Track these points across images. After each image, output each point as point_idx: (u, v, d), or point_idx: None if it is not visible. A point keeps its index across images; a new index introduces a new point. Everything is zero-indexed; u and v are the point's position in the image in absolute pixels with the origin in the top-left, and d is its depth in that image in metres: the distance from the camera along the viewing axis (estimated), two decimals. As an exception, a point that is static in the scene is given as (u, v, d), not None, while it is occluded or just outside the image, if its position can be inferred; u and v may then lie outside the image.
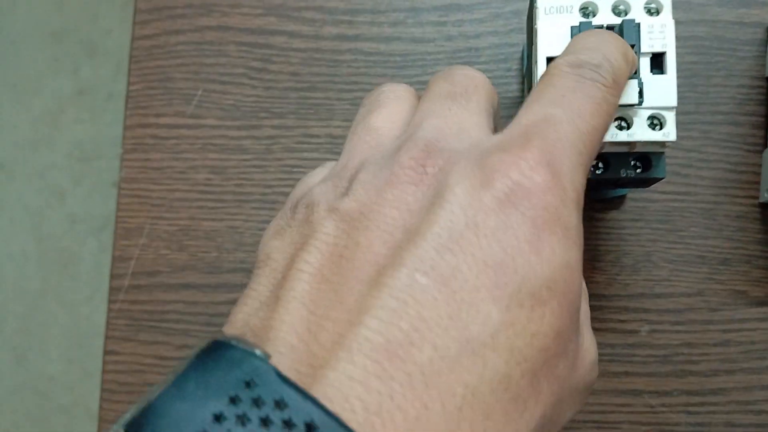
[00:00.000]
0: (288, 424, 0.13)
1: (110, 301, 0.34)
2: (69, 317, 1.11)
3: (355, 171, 0.19)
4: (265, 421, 0.13)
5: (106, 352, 0.33)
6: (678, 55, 0.24)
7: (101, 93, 1.15)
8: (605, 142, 0.24)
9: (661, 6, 0.24)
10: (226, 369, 0.14)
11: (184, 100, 0.35)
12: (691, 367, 0.31)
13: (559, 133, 0.17)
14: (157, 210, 0.34)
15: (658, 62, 0.24)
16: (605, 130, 0.19)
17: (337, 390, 0.14)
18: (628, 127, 0.24)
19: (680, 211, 0.31)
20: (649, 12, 0.24)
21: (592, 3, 0.24)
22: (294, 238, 0.18)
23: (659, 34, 0.24)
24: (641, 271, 0.31)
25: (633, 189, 0.31)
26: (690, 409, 0.30)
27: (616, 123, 0.24)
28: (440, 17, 0.33)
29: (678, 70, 0.24)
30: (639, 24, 0.23)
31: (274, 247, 0.19)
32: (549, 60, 0.24)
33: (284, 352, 0.15)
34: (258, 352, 0.15)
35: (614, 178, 0.25)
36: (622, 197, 0.32)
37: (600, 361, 0.31)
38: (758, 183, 0.31)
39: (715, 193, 0.31)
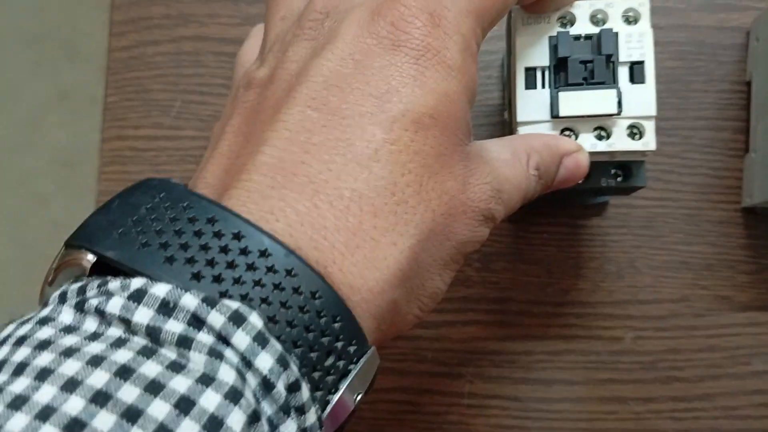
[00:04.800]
0: (181, 209, 0.16)
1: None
2: (55, 324, 1.10)
3: (272, 43, 0.21)
4: (172, 219, 0.16)
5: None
6: (658, 60, 0.24)
7: (83, 97, 1.13)
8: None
9: (639, 15, 0.24)
10: (146, 192, 0.17)
11: (162, 111, 0.35)
12: (677, 373, 0.31)
13: None
14: (136, 223, 0.34)
15: (637, 71, 0.23)
16: None
17: (236, 199, 0.17)
18: (608, 137, 0.24)
19: (663, 217, 0.31)
20: (627, 21, 0.24)
21: (570, 12, 0.24)
22: (226, 113, 0.21)
23: (637, 43, 0.23)
24: (625, 278, 0.31)
25: (614, 196, 0.31)
26: (676, 415, 0.30)
27: (596, 133, 0.24)
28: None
29: (658, 76, 0.24)
30: (617, 33, 0.23)
31: (215, 126, 0.22)
32: (528, 70, 0.24)
33: (203, 188, 0.19)
34: (174, 180, 0.17)
35: (595, 187, 0.25)
36: (605, 204, 0.31)
37: (584, 368, 0.31)
38: (740, 188, 0.31)
39: (697, 199, 0.31)
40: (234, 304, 0.15)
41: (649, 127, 0.23)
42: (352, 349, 0.16)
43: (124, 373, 0.13)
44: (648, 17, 0.24)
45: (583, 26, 0.24)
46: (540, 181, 0.22)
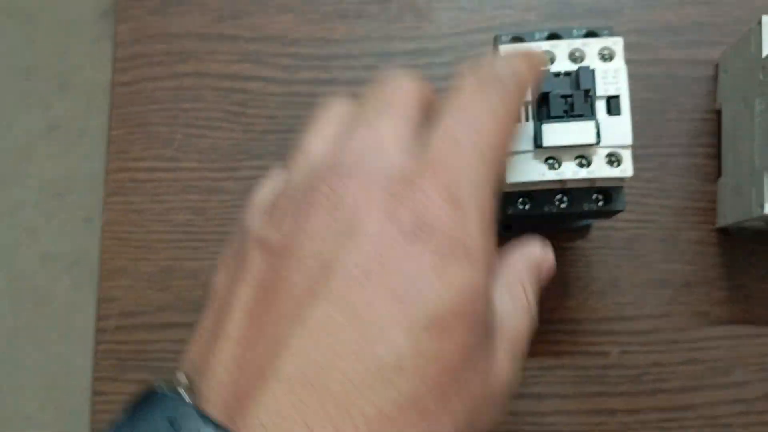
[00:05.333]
0: None
1: (96, 342, 0.35)
2: (43, 356, 1.10)
3: (287, 199, 0.20)
4: None
5: (94, 393, 0.34)
6: (634, 91, 0.26)
7: (73, 129, 1.14)
8: (567, 179, 0.25)
9: (614, 53, 0.26)
10: (154, 413, 0.16)
11: (163, 143, 0.36)
12: (661, 385, 0.32)
13: (462, 159, 0.19)
14: (139, 251, 0.35)
15: (613, 104, 0.25)
16: (509, 136, 0.21)
17: (257, 419, 0.16)
18: (588, 165, 0.25)
19: (643, 238, 0.33)
20: (603, 58, 0.26)
21: (550, 51, 0.26)
22: (231, 270, 0.20)
23: (613, 79, 0.25)
24: (609, 296, 0.33)
25: (597, 219, 0.33)
26: (662, 425, 0.32)
27: (577, 161, 0.25)
28: (410, 61, 0.35)
29: (635, 107, 0.26)
30: (594, 70, 0.25)
31: (218, 280, 0.21)
32: (513, 104, 0.26)
33: (215, 388, 0.17)
34: (183, 393, 0.17)
35: (578, 211, 0.27)
36: (588, 227, 0.33)
37: (573, 382, 0.32)
38: (714, 209, 0.33)
39: (674, 220, 0.33)
40: None
41: (626, 156, 0.25)
42: None
43: None
44: (622, 55, 0.26)
45: (562, 64, 0.26)
46: (535, 308, 0.22)
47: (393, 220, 0.18)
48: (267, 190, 0.23)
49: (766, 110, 0.28)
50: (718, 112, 0.33)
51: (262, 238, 0.19)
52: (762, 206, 0.27)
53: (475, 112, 0.20)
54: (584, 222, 0.33)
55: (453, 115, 0.20)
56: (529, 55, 0.23)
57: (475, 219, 0.18)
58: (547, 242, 0.23)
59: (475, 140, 0.19)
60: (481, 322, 0.18)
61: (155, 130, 0.36)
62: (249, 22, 0.37)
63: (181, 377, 0.18)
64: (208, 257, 0.35)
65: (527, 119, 0.26)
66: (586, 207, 0.27)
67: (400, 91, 0.22)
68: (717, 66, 0.34)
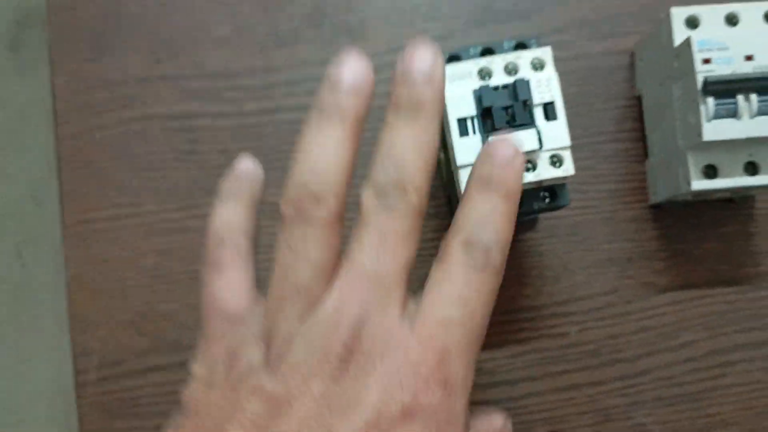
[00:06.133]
0: None
1: (78, 397, 0.35)
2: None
3: (284, 342, 0.21)
4: None
5: (85, 447, 0.35)
6: (562, 87, 0.28)
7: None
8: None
9: (544, 62, 0.28)
10: None
11: (119, 190, 0.37)
12: (618, 355, 0.35)
13: (455, 342, 0.21)
14: (111, 301, 0.36)
15: (550, 110, 0.28)
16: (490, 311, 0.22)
17: None
18: (534, 169, 0.28)
19: (585, 223, 0.36)
20: (535, 67, 0.28)
21: (486, 67, 0.28)
22: (218, 399, 0.21)
23: (546, 87, 0.28)
24: (562, 280, 0.36)
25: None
26: (624, 392, 0.35)
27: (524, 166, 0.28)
28: (351, 83, 0.37)
29: (564, 101, 0.28)
30: (528, 81, 0.28)
31: (201, 400, 0.22)
32: (459, 120, 0.28)
33: None
34: None
35: (528, 211, 0.29)
36: (535, 220, 0.36)
37: (540, 364, 0.35)
38: (645, 188, 0.36)
39: (611, 203, 0.36)
40: None
41: (567, 156, 0.28)
42: None
43: None
44: (551, 63, 0.28)
45: (499, 77, 0.28)
46: None
47: (394, 400, 0.20)
48: (224, 284, 0.23)
49: (683, 94, 0.31)
50: (639, 98, 0.36)
51: (260, 384, 0.20)
52: (689, 183, 0.30)
53: (467, 292, 0.21)
54: (531, 216, 0.35)
55: (444, 291, 0.21)
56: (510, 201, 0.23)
57: (463, 399, 0.21)
58: (508, 417, 0.25)
59: (469, 324, 0.21)
60: None
61: (109, 178, 0.37)
62: (187, 61, 0.37)
63: None
64: (181, 298, 0.36)
65: (474, 132, 0.28)
66: (535, 206, 0.29)
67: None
68: (633, 54, 0.37)
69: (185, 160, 0.37)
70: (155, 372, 0.35)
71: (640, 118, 0.36)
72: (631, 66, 0.37)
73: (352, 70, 0.23)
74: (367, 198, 0.22)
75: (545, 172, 0.28)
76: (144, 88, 0.37)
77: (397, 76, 0.23)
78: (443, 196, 0.36)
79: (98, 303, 0.36)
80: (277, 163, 0.36)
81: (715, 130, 0.29)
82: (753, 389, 0.35)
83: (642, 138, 0.36)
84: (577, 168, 0.35)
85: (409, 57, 0.22)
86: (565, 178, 0.28)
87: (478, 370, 0.35)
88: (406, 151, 0.22)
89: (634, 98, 0.37)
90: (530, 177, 0.28)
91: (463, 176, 0.28)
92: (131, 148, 0.37)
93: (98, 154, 0.37)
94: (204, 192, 0.36)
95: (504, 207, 0.22)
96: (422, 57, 0.22)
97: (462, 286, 0.21)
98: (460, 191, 0.28)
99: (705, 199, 0.35)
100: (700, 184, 0.30)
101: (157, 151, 0.37)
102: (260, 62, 0.37)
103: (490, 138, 0.23)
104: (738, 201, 0.36)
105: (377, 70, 0.37)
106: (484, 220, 0.22)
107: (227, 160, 0.36)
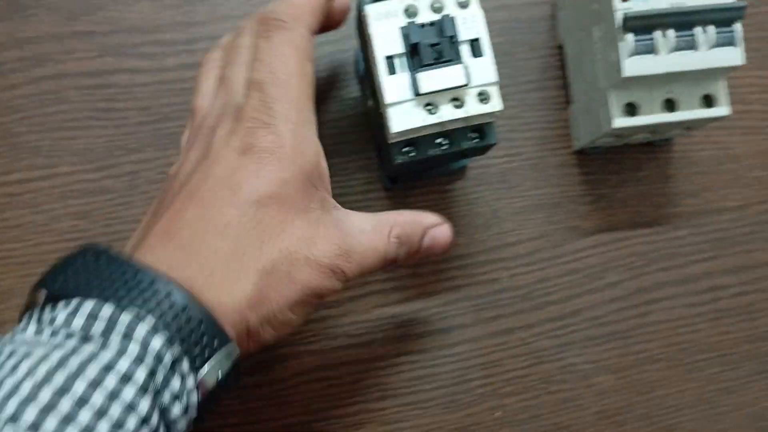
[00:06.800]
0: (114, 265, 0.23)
1: (-5, 369, 0.33)
2: None
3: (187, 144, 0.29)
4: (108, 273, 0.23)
5: None
6: (486, 38, 0.29)
7: None
8: (446, 121, 0.28)
9: (469, 0, 0.28)
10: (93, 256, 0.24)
11: (32, 152, 0.35)
12: (548, 298, 0.36)
13: (277, 88, 0.26)
14: (24, 267, 0.34)
15: (476, 47, 0.28)
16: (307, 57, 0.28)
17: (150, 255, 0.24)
18: (463, 105, 0.28)
19: (513, 170, 0.36)
20: (460, 5, 0.28)
21: (413, 5, 0.28)
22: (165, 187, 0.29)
23: (472, 23, 0.28)
24: (492, 227, 0.36)
25: (472, 159, 0.36)
26: (554, 333, 0.36)
27: (453, 103, 0.28)
28: (275, 34, 0.36)
29: (489, 52, 0.28)
30: (454, 18, 0.28)
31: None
32: (388, 59, 0.28)
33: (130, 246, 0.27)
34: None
35: (458, 150, 0.29)
36: (464, 168, 0.36)
37: (473, 311, 0.35)
38: (569, 135, 0.37)
39: (538, 150, 0.37)
40: (134, 310, 0.22)
41: (494, 92, 0.28)
42: (215, 341, 0.23)
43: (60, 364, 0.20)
44: (476, 1, 0.28)
45: (425, 15, 0.28)
46: (402, 247, 0.28)
47: (230, 144, 0.26)
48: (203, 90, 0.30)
49: (603, 36, 0.31)
50: (560, 47, 0.37)
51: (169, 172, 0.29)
52: (610, 121, 0.31)
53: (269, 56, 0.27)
54: (461, 163, 0.36)
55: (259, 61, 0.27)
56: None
57: (289, 133, 0.26)
58: (447, 221, 0.29)
59: (280, 75, 0.26)
60: (296, 202, 0.25)
61: (21, 140, 0.35)
62: (103, 16, 0.36)
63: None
64: (102, 258, 0.34)
65: (402, 70, 0.28)
66: (464, 145, 0.29)
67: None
68: (554, 4, 0.37)
69: (101, 119, 0.35)
70: (78, 338, 0.33)
71: (562, 66, 0.37)
72: (553, 16, 0.37)
73: None
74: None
75: (473, 108, 0.28)
76: (56, 45, 0.35)
77: None
78: (372, 149, 0.36)
79: (13, 271, 0.34)
80: (201, 118, 0.35)
81: (634, 66, 0.30)
82: (676, 325, 0.36)
83: (565, 86, 0.37)
84: (504, 116, 0.36)
85: None
86: (492, 114, 0.28)
87: (412, 321, 0.35)
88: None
89: (556, 48, 0.37)
90: (459, 113, 0.28)
91: (392, 114, 0.28)
92: (44, 108, 0.35)
93: (9, 116, 0.35)
94: (122, 150, 0.35)
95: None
96: None
97: (258, 48, 0.28)
98: (389, 130, 0.28)
99: (626, 143, 0.36)
100: (621, 121, 0.31)
101: (71, 110, 0.35)
102: (180, 17, 0.36)
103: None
104: (656, 144, 0.37)
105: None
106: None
107: (147, 117, 0.35)
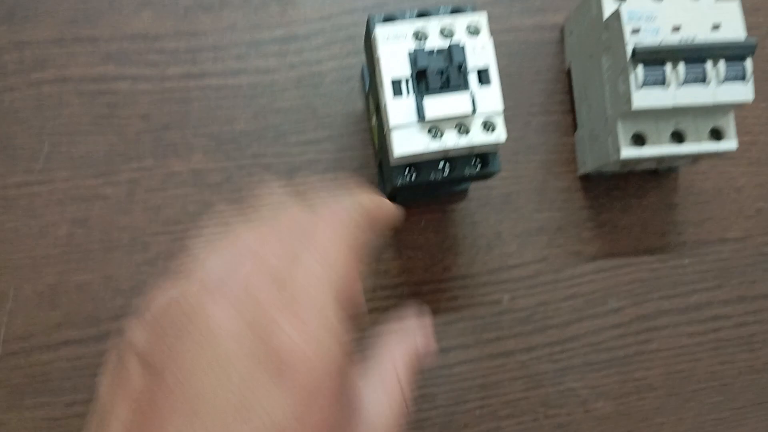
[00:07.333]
0: None
1: (-16, 375, 0.33)
2: None
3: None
4: None
5: (-7, 427, 0.32)
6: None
7: None
8: (449, 148, 0.27)
9: (480, 26, 0.28)
10: None
11: (30, 157, 0.34)
12: (549, 321, 0.35)
13: (314, 290, 0.21)
14: (20, 273, 0.34)
15: (484, 76, 0.27)
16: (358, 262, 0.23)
17: None
18: (467, 133, 0.27)
19: (517, 192, 0.36)
20: (470, 32, 0.28)
21: (423, 29, 0.27)
22: (112, 377, 0.21)
23: (481, 52, 0.27)
24: (495, 249, 0.36)
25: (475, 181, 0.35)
26: (554, 357, 0.35)
27: (457, 129, 0.27)
28: (281, 48, 0.35)
29: (496, 73, 0.28)
30: (464, 46, 0.27)
31: (102, 384, 0.21)
32: (394, 82, 0.27)
33: None
34: None
35: (459, 176, 0.29)
36: (466, 190, 0.36)
37: (473, 332, 0.35)
38: (575, 160, 0.36)
39: (542, 173, 0.36)
40: None
41: (499, 121, 0.28)
42: None
43: None
44: (486, 28, 0.28)
45: (434, 40, 0.27)
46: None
47: (253, 357, 0.19)
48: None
49: (611, 65, 0.31)
50: (568, 72, 0.37)
51: (141, 354, 0.20)
52: (618, 151, 0.31)
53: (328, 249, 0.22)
54: (462, 186, 0.35)
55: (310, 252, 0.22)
56: (380, 204, 0.24)
57: (318, 339, 0.20)
58: (426, 320, 0.26)
59: (328, 274, 0.21)
60: (325, 419, 0.20)
61: (19, 144, 0.34)
62: (105, 22, 0.35)
63: None
64: (96, 268, 0.34)
65: (408, 93, 0.27)
66: (466, 172, 0.29)
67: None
68: (562, 29, 0.37)
69: (102, 125, 0.35)
70: (68, 346, 0.33)
71: (569, 91, 0.37)
72: (561, 41, 0.37)
73: None
74: None
75: (477, 137, 0.27)
76: (58, 49, 0.35)
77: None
78: (374, 165, 0.35)
79: (5, 275, 0.33)
80: (204, 129, 0.35)
81: (644, 97, 0.29)
82: (677, 354, 0.36)
83: (571, 111, 0.37)
84: (509, 139, 0.36)
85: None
86: (496, 144, 0.28)
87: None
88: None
89: (564, 72, 0.37)
90: (463, 141, 0.27)
91: (396, 137, 0.27)
92: (43, 112, 0.34)
93: (7, 118, 0.34)
94: (122, 158, 0.34)
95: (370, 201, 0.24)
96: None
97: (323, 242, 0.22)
98: (391, 153, 0.27)
99: (631, 170, 0.36)
100: (629, 151, 0.31)
101: (72, 115, 0.35)
102: (185, 26, 0.36)
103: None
104: (662, 173, 0.36)
105: (307, 37, 0.36)
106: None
107: (147, 126, 0.35)
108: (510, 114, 0.36)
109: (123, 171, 0.34)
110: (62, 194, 0.34)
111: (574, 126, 0.36)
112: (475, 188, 0.36)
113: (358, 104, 0.36)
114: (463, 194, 0.36)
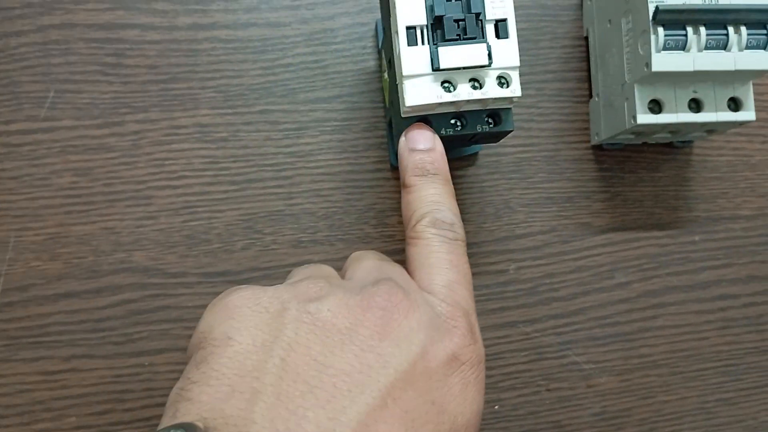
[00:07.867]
0: None
1: (-20, 323, 0.32)
2: None
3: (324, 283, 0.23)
4: None
5: (-15, 376, 0.32)
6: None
7: None
8: (462, 101, 0.27)
9: (499, -23, 0.27)
10: None
11: (34, 103, 0.34)
12: (554, 294, 0.35)
13: (466, 300, 0.24)
14: (20, 221, 0.33)
15: (501, 28, 0.27)
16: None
17: None
18: (481, 87, 0.27)
19: (527, 160, 0.35)
20: (490, -18, 0.27)
21: (441, -23, 0.27)
22: (260, 325, 0.21)
23: (500, 3, 0.27)
24: (503, 217, 0.35)
25: (486, 145, 0.35)
26: (558, 330, 0.35)
27: (471, 83, 0.27)
28: (293, 1, 0.35)
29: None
30: (482, -5, 0.26)
31: (235, 328, 0.21)
32: (409, 29, 0.26)
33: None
34: None
35: (471, 133, 0.28)
36: (476, 154, 0.35)
37: (477, 300, 0.34)
38: (588, 129, 0.36)
39: (554, 142, 0.36)
40: None
41: (515, 77, 0.27)
42: None
43: None
44: (506, -22, 0.27)
45: (452, -12, 0.27)
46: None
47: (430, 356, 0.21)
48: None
49: (632, 28, 0.30)
50: (586, 38, 0.36)
51: (307, 309, 0.21)
52: (635, 117, 0.30)
53: (454, 259, 0.25)
54: (473, 148, 0.35)
55: (437, 262, 0.25)
56: (451, 188, 0.27)
57: (478, 337, 0.24)
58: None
59: (466, 282, 0.25)
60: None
61: (24, 90, 0.34)
62: (116, -31, 0.35)
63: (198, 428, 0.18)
64: (97, 220, 0.33)
65: (423, 43, 0.26)
66: (479, 128, 0.28)
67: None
68: (581, -5, 0.36)
69: (109, 74, 0.34)
70: (67, 298, 0.33)
71: (586, 58, 0.36)
72: (580, 7, 0.36)
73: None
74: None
75: (492, 91, 0.27)
76: (66, -6, 0.34)
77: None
78: (384, 126, 0.35)
79: (6, 223, 0.33)
80: (211, 82, 0.34)
81: (663, 61, 0.28)
82: (683, 332, 0.35)
83: (587, 78, 0.36)
84: (522, 105, 0.35)
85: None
86: (511, 100, 0.27)
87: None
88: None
89: (581, 38, 0.36)
90: (477, 94, 0.27)
91: (408, 87, 0.26)
92: (49, 59, 0.34)
93: (12, 63, 0.34)
94: (128, 108, 0.34)
95: (447, 188, 0.27)
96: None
97: (445, 254, 0.25)
98: (403, 103, 0.27)
99: (645, 143, 0.35)
100: (645, 118, 0.30)
101: (78, 62, 0.34)
102: (196, -24, 0.35)
103: (404, 136, 0.27)
104: (676, 146, 0.36)
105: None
106: (439, 203, 0.26)
107: (155, 76, 0.34)
108: (524, 80, 0.35)
109: (128, 122, 0.34)
110: (65, 143, 0.34)
111: (590, 94, 0.36)
112: (484, 154, 0.35)
113: (370, 63, 0.35)
114: (474, 159, 0.35)
